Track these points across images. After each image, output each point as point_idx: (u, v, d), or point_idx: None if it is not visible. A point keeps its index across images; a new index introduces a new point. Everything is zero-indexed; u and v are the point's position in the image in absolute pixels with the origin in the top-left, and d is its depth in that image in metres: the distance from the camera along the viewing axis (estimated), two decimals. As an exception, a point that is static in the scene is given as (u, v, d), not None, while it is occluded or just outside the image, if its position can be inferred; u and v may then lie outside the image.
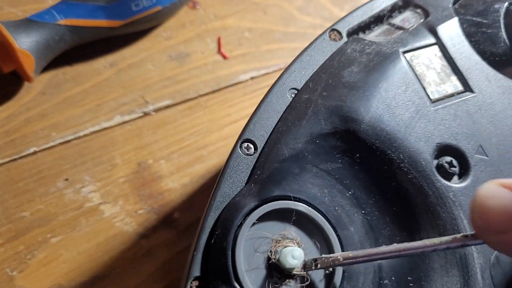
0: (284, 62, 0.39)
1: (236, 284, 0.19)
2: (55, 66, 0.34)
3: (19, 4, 0.35)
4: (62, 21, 0.31)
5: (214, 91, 0.36)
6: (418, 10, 0.29)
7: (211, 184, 0.33)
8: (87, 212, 0.30)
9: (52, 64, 0.33)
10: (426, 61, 0.26)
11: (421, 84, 0.25)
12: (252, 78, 0.37)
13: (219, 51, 0.38)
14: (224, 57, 0.38)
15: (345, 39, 0.27)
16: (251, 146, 0.23)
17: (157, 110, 0.34)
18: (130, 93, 0.34)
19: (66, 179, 0.31)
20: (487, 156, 0.24)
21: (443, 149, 0.24)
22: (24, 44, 0.30)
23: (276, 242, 0.21)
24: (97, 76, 0.34)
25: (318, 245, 0.22)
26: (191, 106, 0.35)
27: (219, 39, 0.38)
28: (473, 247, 0.22)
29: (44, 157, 0.31)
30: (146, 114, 0.34)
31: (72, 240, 0.29)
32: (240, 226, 0.21)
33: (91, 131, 0.32)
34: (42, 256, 0.28)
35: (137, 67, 0.35)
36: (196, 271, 0.20)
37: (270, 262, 0.21)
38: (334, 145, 0.23)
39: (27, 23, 0.31)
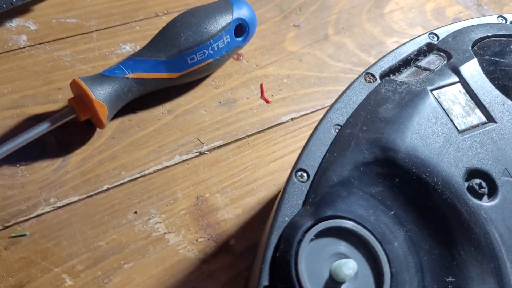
0: (320, 103, 0.43)
1: (300, 291, 0.23)
2: (122, 114, 0.38)
3: (88, 62, 0.41)
4: (130, 75, 0.36)
5: (259, 132, 0.40)
6: (441, 53, 0.33)
7: (261, 214, 0.36)
8: (154, 241, 0.34)
9: (119, 113, 0.38)
10: (452, 97, 0.30)
11: (449, 117, 0.29)
12: (292, 119, 0.42)
13: (262, 96, 0.42)
14: (267, 101, 0.42)
15: (378, 80, 0.31)
16: (304, 174, 0.27)
17: (211, 150, 0.38)
18: (186, 136, 0.39)
19: (135, 212, 0.35)
20: (512, 177, 0.27)
21: (472, 173, 0.27)
22: (99, 95, 0.35)
23: (332, 255, 0.24)
24: (158, 122, 0.39)
25: (367, 259, 0.25)
26: (240, 145, 0.39)
27: (261, 86, 0.43)
28: (506, 258, 0.25)
29: (116, 193, 0.35)
30: (201, 153, 0.38)
31: (142, 266, 0.33)
32: (300, 242, 0.24)
33: (154, 170, 0.37)
34: (117, 281, 0.32)
35: (192, 113, 0.40)
36: (265, 281, 0.23)
37: (328, 274, 0.24)
38: (376, 171, 0.27)
39: (101, 78, 0.36)
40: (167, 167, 0.37)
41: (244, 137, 0.40)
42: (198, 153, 0.38)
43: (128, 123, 0.38)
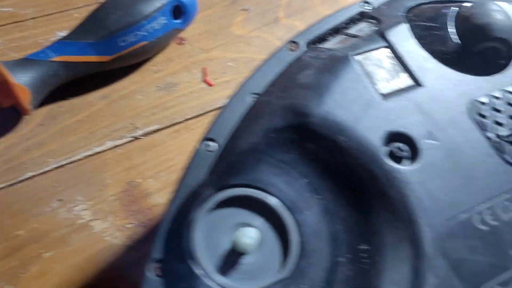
0: (267, 86, 0.42)
1: (192, 263, 0.21)
2: (52, 101, 0.37)
3: (21, 50, 0.40)
4: (56, 58, 0.35)
5: (199, 115, 0.39)
6: (373, 21, 0.32)
7: (195, 198, 0.35)
8: (78, 228, 0.32)
9: (50, 99, 0.37)
10: (377, 61, 0.28)
11: (371, 81, 0.27)
12: (235, 102, 0.40)
13: (204, 79, 0.41)
14: (209, 84, 0.41)
15: (303, 49, 0.30)
16: (214, 144, 0.25)
17: (146, 135, 0.37)
18: (121, 121, 0.37)
19: (60, 200, 0.33)
20: (436, 140, 0.26)
21: (393, 137, 0.25)
22: (21, 79, 0.33)
23: (235, 226, 0.23)
24: (91, 108, 0.38)
25: (275, 228, 0.23)
26: (178, 129, 0.38)
27: (204, 69, 0.41)
28: (423, 222, 0.23)
29: (40, 181, 0.34)
30: (135, 138, 0.37)
31: (63, 254, 0.31)
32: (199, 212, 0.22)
33: (84, 156, 0.35)
34: (34, 270, 0.30)
35: (128, 98, 0.39)
36: (156, 254, 0.22)
37: (230, 245, 0.22)
38: (288, 137, 0.25)
39: (24, 62, 0.34)
40: (97, 153, 0.35)
41: (183, 121, 0.38)
42: (132, 138, 0.37)
43: (58, 110, 0.37)
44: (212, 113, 0.39)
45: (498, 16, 0.29)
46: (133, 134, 0.37)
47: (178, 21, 0.40)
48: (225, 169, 0.24)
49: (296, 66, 0.28)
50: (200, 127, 0.38)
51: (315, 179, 0.25)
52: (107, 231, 0.32)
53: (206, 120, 0.38)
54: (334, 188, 0.25)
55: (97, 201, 0.33)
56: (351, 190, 0.24)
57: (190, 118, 0.38)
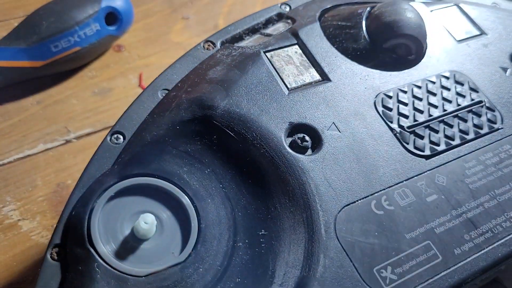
0: (203, 90, 0.43)
1: (90, 247, 0.22)
2: (-15, 106, 0.37)
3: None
4: (-14, 63, 0.36)
5: (133, 118, 0.39)
6: (289, 21, 0.33)
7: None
8: (6, 228, 0.32)
9: (-17, 104, 0.37)
10: (286, 57, 0.29)
11: (279, 76, 0.28)
12: (171, 105, 0.41)
13: (140, 84, 0.42)
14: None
15: (218, 48, 0.31)
16: (120, 136, 0.26)
17: (78, 138, 0.37)
18: (54, 125, 0.38)
19: (-12, 201, 0.33)
20: (339, 131, 0.27)
21: (297, 128, 0.26)
22: (-51, 84, 0.34)
23: (136, 213, 0.23)
24: (25, 112, 0.38)
25: (177, 216, 0.24)
26: (111, 132, 0.38)
27: (140, 75, 0.42)
28: (319, 207, 0.24)
29: (-31, 183, 0.34)
30: (67, 141, 0.37)
31: (-11, 254, 0.31)
32: (98, 200, 0.23)
33: (15, 158, 0.36)
34: (-41, 269, 0.30)
35: (62, 103, 0.39)
36: (57, 239, 0.22)
37: (130, 231, 0.23)
38: (193, 129, 0.26)
39: (-46, 67, 0.35)
40: (29, 155, 0.36)
41: (116, 125, 0.39)
42: (64, 141, 0.37)
43: (-8, 115, 0.37)
44: (147, 116, 0.40)
45: (407, 14, 0.31)
46: (66, 138, 0.37)
47: (112, 27, 0.41)
48: (129, 160, 0.25)
49: (208, 63, 0.29)
50: (134, 129, 0.39)
51: (218, 169, 0.25)
52: (35, 230, 0.33)
53: (140, 123, 0.39)
54: (237, 177, 0.25)
55: (26, 202, 0.34)
56: (253, 179, 0.25)
57: (124, 121, 0.39)
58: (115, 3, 0.40)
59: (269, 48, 0.29)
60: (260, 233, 0.24)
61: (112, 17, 0.41)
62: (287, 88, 0.28)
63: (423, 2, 0.36)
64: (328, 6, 0.34)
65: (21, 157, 0.36)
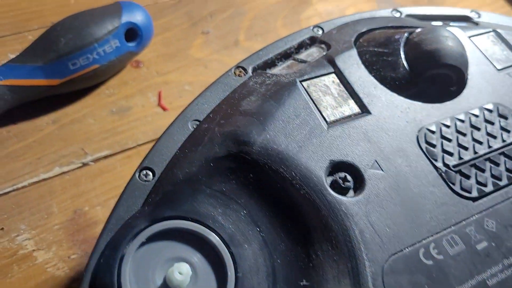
0: (224, 110, 0.41)
1: (120, 300, 0.20)
2: (-1, 125, 0.36)
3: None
4: (2, 82, 0.34)
5: (152, 140, 0.38)
6: (323, 46, 0.31)
7: (144, 226, 0.33)
8: (20, 259, 0.31)
9: (-4, 124, 0.35)
10: (323, 88, 0.28)
11: (317, 108, 0.27)
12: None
13: (159, 103, 0.40)
14: (164, 109, 0.40)
15: (250, 74, 0.29)
16: (150, 173, 0.24)
17: (96, 160, 0.36)
18: (70, 146, 0.36)
19: (2, 229, 0.32)
20: (382, 170, 0.25)
21: (338, 166, 0.25)
22: (-37, 104, 0.32)
23: (168, 260, 0.22)
24: (39, 132, 0.36)
25: (211, 262, 0.22)
26: (130, 155, 0.37)
27: (159, 93, 0.40)
28: (365, 256, 0.22)
29: (-18, 208, 0.32)
30: (84, 164, 0.35)
31: (3, 286, 0.30)
32: (129, 245, 0.21)
33: (29, 183, 0.34)
34: (-29, 304, 0.29)
35: (79, 122, 0.37)
36: (85, 290, 0.20)
37: (162, 280, 0.21)
38: (228, 167, 0.24)
39: (-32, 85, 0.33)
40: (44, 179, 0.34)
41: (135, 146, 0.37)
42: (81, 164, 0.35)
43: (6, 135, 0.36)
44: (167, 137, 0.38)
45: (449, 43, 0.29)
46: (82, 160, 0.35)
47: (131, 44, 0.39)
48: (160, 200, 0.23)
49: (240, 92, 0.27)
50: (154, 152, 0.37)
51: (254, 210, 0.24)
52: (51, 261, 0.31)
53: (160, 145, 0.37)
54: (274, 219, 0.24)
55: (41, 230, 0.32)
56: (292, 222, 0.24)
57: (143, 144, 0.37)
58: (135, 18, 0.38)
59: (305, 76, 0.28)
60: (301, 283, 0.22)
61: (132, 33, 0.39)
62: (326, 121, 0.26)
63: (459, 27, 0.34)
64: (363, 30, 0.32)
65: (36, 181, 0.34)
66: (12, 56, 0.39)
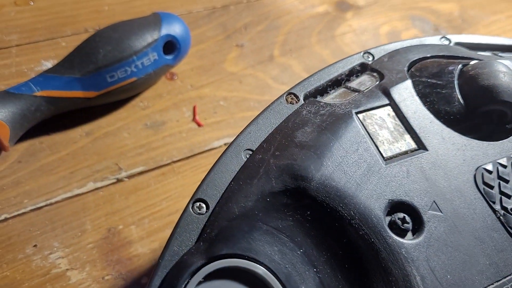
0: (259, 128, 0.40)
1: None
2: (33, 136, 0.35)
3: (3, 79, 0.37)
4: (39, 93, 0.33)
5: (187, 157, 0.37)
6: (375, 74, 0.30)
7: (180, 249, 0.33)
8: (53, 278, 0.30)
9: (30, 134, 0.35)
10: (379, 120, 0.27)
11: (374, 143, 0.26)
12: (225, 144, 0.38)
13: (194, 119, 0.39)
14: (199, 124, 0.39)
15: (301, 102, 0.28)
16: (203, 205, 0.23)
17: (130, 177, 0.35)
18: (104, 160, 0.35)
19: (35, 246, 0.31)
20: (441, 212, 0.24)
21: (396, 206, 0.24)
22: (0, 114, 0.31)
23: (224, 301, 0.21)
24: (73, 145, 0.35)
25: (268, 304, 0.21)
26: (164, 172, 0.36)
27: (194, 108, 0.39)
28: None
29: (15, 223, 0.31)
30: (119, 180, 0.35)
31: (36, 307, 0.29)
32: (186, 285, 0.21)
33: (63, 198, 0.33)
34: (3, 324, 0.28)
35: (113, 136, 0.37)
36: (139, 332, 0.20)
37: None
38: (284, 203, 0.23)
39: (4, 95, 0.32)
40: (77, 195, 0.33)
41: (169, 163, 0.36)
42: (115, 180, 0.34)
43: (39, 146, 0.35)
44: (201, 155, 0.37)
45: (506, 78, 0.28)
46: (117, 176, 0.35)
47: (169, 57, 0.38)
48: (216, 236, 0.22)
49: (294, 121, 0.27)
50: (188, 170, 0.36)
51: (311, 249, 0.23)
52: (84, 282, 0.30)
53: (194, 163, 0.37)
54: (332, 260, 0.23)
55: (75, 249, 0.31)
56: (350, 264, 0.23)
57: (178, 161, 0.37)
58: (174, 31, 0.38)
59: (361, 108, 0.27)
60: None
61: (170, 45, 0.38)
62: (383, 157, 0.25)
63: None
64: (415, 58, 0.31)
65: (69, 197, 0.33)
66: (46, 62, 0.39)
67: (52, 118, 0.35)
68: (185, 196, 0.35)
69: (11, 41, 0.40)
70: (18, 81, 0.37)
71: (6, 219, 0.31)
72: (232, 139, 0.38)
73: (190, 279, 0.21)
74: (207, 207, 0.23)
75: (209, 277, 0.21)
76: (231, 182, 0.24)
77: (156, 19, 0.37)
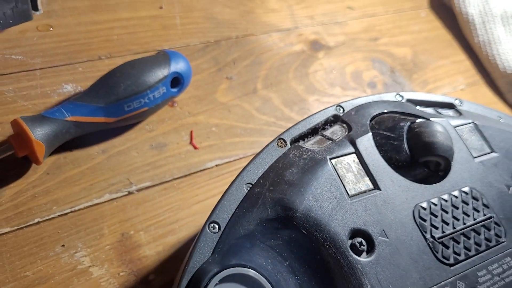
0: (243, 153, 0.48)
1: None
2: (58, 152, 0.41)
3: (30, 99, 0.44)
4: (69, 118, 0.40)
5: (185, 175, 0.44)
6: (344, 125, 0.39)
7: (181, 252, 0.40)
8: (79, 273, 0.37)
9: (56, 150, 0.41)
10: (347, 165, 0.36)
11: (342, 183, 0.34)
12: (216, 165, 0.46)
13: (191, 142, 0.47)
14: (195, 147, 0.46)
15: (288, 146, 0.36)
16: (216, 226, 0.31)
17: (139, 190, 0.42)
18: (117, 175, 0.42)
19: (63, 245, 0.38)
20: (388, 238, 0.33)
21: (356, 232, 0.33)
22: (38, 136, 0.38)
23: (232, 299, 0.29)
24: (91, 160, 0.42)
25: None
26: (166, 187, 0.43)
27: (191, 133, 0.47)
28: (374, 305, 0.30)
29: (46, 226, 0.38)
30: (130, 193, 0.42)
31: (65, 296, 0.36)
32: (206, 286, 0.28)
33: (85, 206, 0.40)
34: (40, 309, 0.35)
35: (124, 154, 0.44)
36: (173, 318, 0.27)
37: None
38: (276, 227, 0.32)
39: (41, 119, 0.39)
40: (96, 204, 0.40)
41: (171, 180, 0.44)
42: (127, 193, 0.42)
43: (63, 160, 0.41)
44: (197, 174, 0.45)
45: (441, 137, 0.38)
46: (128, 189, 0.42)
47: (174, 90, 0.45)
48: (227, 251, 0.30)
49: (283, 162, 0.35)
50: (186, 186, 0.44)
51: (294, 262, 0.31)
52: (104, 277, 0.37)
53: (191, 181, 0.44)
54: (309, 270, 0.31)
55: (95, 249, 0.38)
56: (321, 274, 0.31)
57: (177, 178, 0.44)
58: (180, 68, 0.45)
59: (333, 155, 0.36)
60: (327, 322, 0.30)
61: (176, 80, 0.45)
62: (348, 195, 0.34)
63: (448, 117, 0.43)
64: (375, 113, 0.40)
65: (90, 205, 0.40)
66: (66, 85, 0.45)
67: (74, 138, 0.42)
68: (183, 208, 0.43)
69: (35, 64, 0.46)
70: (43, 101, 0.44)
71: (38, 222, 0.38)
72: (222, 161, 0.46)
73: (209, 282, 0.28)
74: (219, 228, 0.31)
75: (222, 281, 0.29)
76: (236, 209, 0.32)
77: (165, 58, 0.45)
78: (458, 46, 0.73)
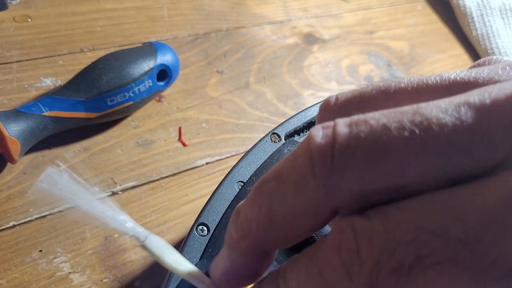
0: (235, 150, 0.46)
1: None
2: (36, 149, 0.39)
3: (5, 94, 0.41)
4: (47, 113, 0.37)
5: (174, 174, 0.42)
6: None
7: (168, 257, 0.38)
8: (58, 280, 0.34)
9: (33, 148, 0.38)
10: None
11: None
12: (207, 163, 0.44)
13: (179, 139, 0.44)
14: (184, 144, 0.44)
15: (283, 141, 0.34)
16: (205, 228, 0.29)
17: (124, 190, 0.39)
18: (101, 175, 0.40)
19: (40, 251, 0.35)
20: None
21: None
22: (13, 132, 0.35)
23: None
24: (72, 159, 0.40)
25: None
26: (154, 187, 0.41)
27: (180, 129, 0.44)
28: None
29: (22, 230, 0.35)
30: (114, 193, 0.39)
31: (43, 305, 0.33)
32: (194, 293, 0.26)
33: (65, 208, 0.37)
34: (15, 320, 0.32)
35: (108, 152, 0.41)
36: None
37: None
38: (271, 229, 0.29)
39: (16, 114, 0.36)
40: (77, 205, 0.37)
41: (158, 179, 0.41)
42: (110, 193, 0.39)
43: (41, 159, 0.39)
44: (186, 173, 0.42)
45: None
46: (112, 189, 0.39)
47: (161, 83, 0.43)
48: (216, 255, 0.27)
49: (277, 158, 0.32)
50: (174, 186, 0.41)
51: (281, 257, 0.29)
52: (85, 284, 0.35)
53: (180, 180, 0.42)
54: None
55: (76, 254, 0.36)
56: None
57: (165, 177, 0.41)
58: (167, 60, 0.42)
59: (332, 150, 0.33)
60: None
61: (163, 73, 0.43)
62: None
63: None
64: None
65: (70, 207, 0.37)
66: (45, 79, 0.42)
67: (54, 134, 0.39)
68: (172, 209, 0.40)
69: (12, 56, 0.43)
70: (20, 96, 0.41)
71: (14, 226, 0.35)
72: (212, 159, 0.44)
73: (197, 289, 0.26)
74: (208, 230, 0.29)
75: None
76: (227, 209, 0.29)
77: (152, 49, 0.42)
78: (455, 39, 0.71)
